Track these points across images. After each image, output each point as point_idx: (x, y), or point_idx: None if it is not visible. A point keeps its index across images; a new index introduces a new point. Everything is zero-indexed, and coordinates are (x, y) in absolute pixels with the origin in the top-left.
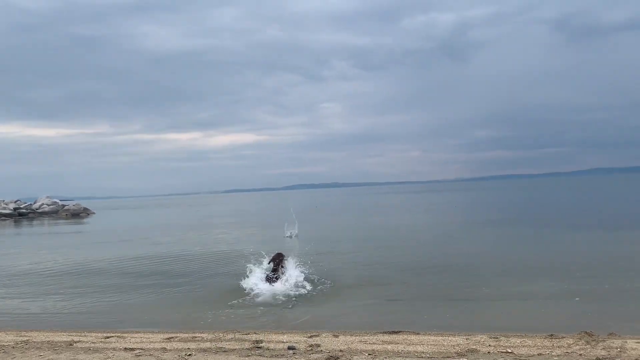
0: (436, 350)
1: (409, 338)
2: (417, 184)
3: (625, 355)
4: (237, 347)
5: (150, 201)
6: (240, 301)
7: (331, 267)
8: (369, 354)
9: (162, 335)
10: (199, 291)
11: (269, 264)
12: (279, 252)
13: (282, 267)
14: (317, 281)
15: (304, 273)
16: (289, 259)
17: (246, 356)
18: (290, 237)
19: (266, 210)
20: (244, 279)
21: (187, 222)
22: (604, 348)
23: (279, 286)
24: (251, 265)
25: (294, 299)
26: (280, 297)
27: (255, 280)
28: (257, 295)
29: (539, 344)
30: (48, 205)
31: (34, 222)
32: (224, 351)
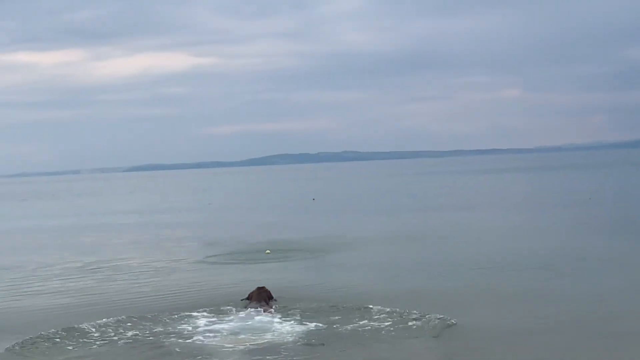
0: None
1: None
2: (510, 154)
3: None
4: None
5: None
6: None
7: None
8: None
9: None
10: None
11: (245, 299)
12: (260, 285)
13: (268, 304)
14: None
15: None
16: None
17: None
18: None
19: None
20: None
21: (67, 233)
22: None
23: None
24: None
25: None
26: None
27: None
28: None
29: None
30: None
31: None
32: None
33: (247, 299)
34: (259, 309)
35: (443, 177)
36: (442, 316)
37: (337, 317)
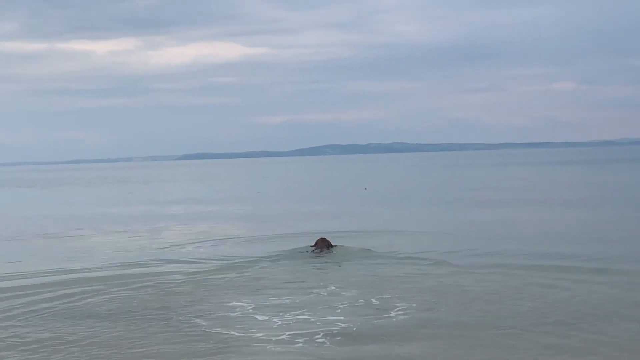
0: None
1: None
2: (562, 147)
3: None
4: None
5: (38, 174)
6: None
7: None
8: None
9: None
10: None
11: (313, 246)
12: (322, 237)
13: (329, 249)
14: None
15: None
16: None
17: None
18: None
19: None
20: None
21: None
22: None
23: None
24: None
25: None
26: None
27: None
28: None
29: None
30: None
31: None
32: None
33: (314, 245)
34: (322, 254)
35: (493, 169)
36: None
37: None
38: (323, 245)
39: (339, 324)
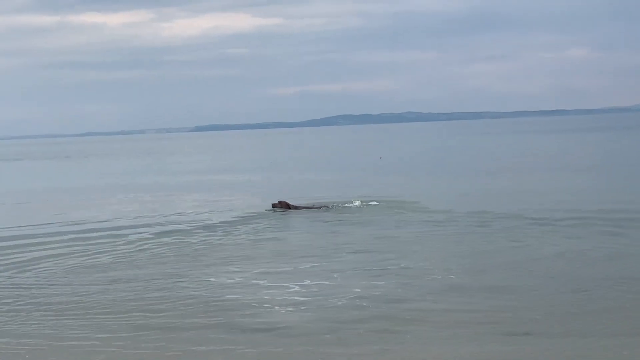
0: None
1: None
2: (575, 115)
3: None
4: None
5: (52, 147)
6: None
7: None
8: None
9: None
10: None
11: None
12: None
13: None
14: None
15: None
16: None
17: None
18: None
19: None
20: None
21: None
22: None
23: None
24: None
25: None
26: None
27: None
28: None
29: None
30: None
31: None
32: None
33: (276, 205)
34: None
35: (505, 137)
36: None
37: None
38: (283, 206)
39: (376, 288)
